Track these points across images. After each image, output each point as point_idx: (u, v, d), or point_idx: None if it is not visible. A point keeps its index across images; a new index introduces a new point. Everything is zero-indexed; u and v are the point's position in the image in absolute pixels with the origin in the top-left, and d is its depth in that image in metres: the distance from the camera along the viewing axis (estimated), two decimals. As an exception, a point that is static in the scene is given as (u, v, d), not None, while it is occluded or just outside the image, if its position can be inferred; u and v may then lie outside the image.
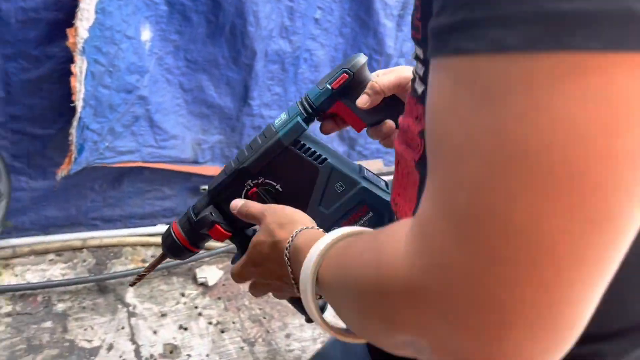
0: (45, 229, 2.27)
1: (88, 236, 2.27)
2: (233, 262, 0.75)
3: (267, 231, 0.60)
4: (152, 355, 1.94)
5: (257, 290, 0.68)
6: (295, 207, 0.64)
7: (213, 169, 2.51)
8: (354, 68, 0.69)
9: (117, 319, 2.03)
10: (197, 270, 2.28)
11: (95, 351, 1.89)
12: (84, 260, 2.23)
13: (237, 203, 0.70)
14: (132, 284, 0.88)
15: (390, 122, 0.73)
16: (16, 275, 2.07)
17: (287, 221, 0.59)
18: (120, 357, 1.90)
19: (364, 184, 0.71)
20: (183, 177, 2.51)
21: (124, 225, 2.47)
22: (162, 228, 2.49)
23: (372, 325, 0.38)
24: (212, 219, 0.72)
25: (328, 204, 0.72)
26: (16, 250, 2.10)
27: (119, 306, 2.10)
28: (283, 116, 0.72)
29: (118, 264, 2.27)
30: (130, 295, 2.15)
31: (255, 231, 0.75)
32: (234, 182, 0.73)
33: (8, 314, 1.91)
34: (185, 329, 2.09)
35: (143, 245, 2.38)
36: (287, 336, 2.10)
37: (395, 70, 0.70)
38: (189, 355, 1.98)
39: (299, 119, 0.70)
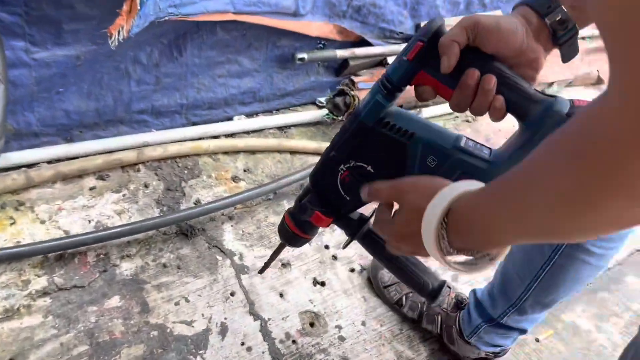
0: (66, 133, 1.37)
1: (140, 141, 1.39)
2: (344, 247, 0.88)
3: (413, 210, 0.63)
4: (288, 336, 1.21)
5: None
6: None
7: (314, 26, 1.58)
8: (428, 34, 0.64)
9: (220, 279, 1.26)
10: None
11: (202, 338, 1.15)
12: (146, 185, 1.38)
13: (364, 190, 0.72)
14: (261, 271, 1.04)
15: (473, 72, 0.64)
16: (42, 222, 1.23)
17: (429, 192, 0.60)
18: (244, 344, 1.17)
19: (459, 155, 0.68)
20: (269, 40, 1.58)
21: (187, 119, 1.58)
22: (241, 124, 1.62)
23: (578, 207, 0.42)
24: (310, 207, 0.79)
25: None
26: (31, 176, 1.22)
27: (218, 257, 1.31)
28: (364, 99, 0.71)
29: (199, 187, 1.43)
30: (229, 237, 1.35)
31: (360, 215, 0.85)
32: (327, 168, 0.76)
33: (44, 292, 1.11)
34: (322, 284, 1.34)
35: (227, 152, 1.52)
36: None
37: (459, 20, 0.65)
38: (339, 328, 1.27)
39: (378, 97, 0.69)
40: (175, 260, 1.28)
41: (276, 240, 1.36)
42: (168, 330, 1.15)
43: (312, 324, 1.28)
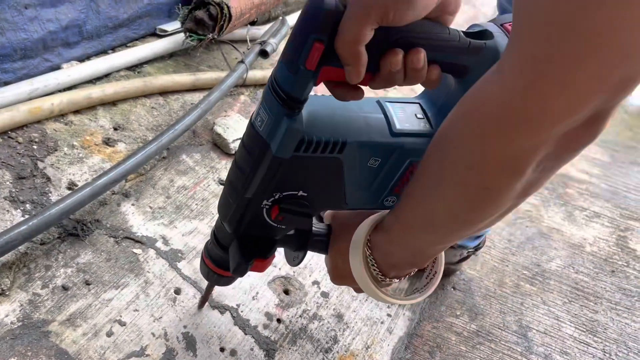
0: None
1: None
2: (297, 264, 0.75)
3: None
4: (269, 316, 0.94)
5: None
6: (331, 204, 0.65)
7: None
8: (325, 28, 0.45)
9: (153, 279, 0.90)
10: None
11: None
12: None
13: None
14: (200, 307, 0.89)
15: (394, 54, 0.49)
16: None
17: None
18: (224, 349, 0.86)
19: (402, 141, 0.59)
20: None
21: None
22: (80, 70, 1.16)
23: (491, 184, 0.46)
24: (242, 260, 0.66)
25: (368, 184, 0.62)
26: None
27: (136, 251, 0.92)
28: (262, 114, 0.53)
29: (65, 164, 0.97)
30: (137, 220, 0.96)
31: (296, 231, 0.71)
32: (247, 210, 0.62)
33: None
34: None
35: (77, 111, 1.06)
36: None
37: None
38: (316, 284, 1.03)
39: (286, 122, 0.51)
40: (77, 274, 0.84)
41: (197, 206, 1.02)
42: None
43: (286, 292, 1.00)
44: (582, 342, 1.10)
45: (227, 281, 0.79)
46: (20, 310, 0.77)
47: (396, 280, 0.66)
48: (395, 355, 1.00)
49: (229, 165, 1.17)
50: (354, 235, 0.64)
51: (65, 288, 0.82)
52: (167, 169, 1.08)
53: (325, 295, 1.03)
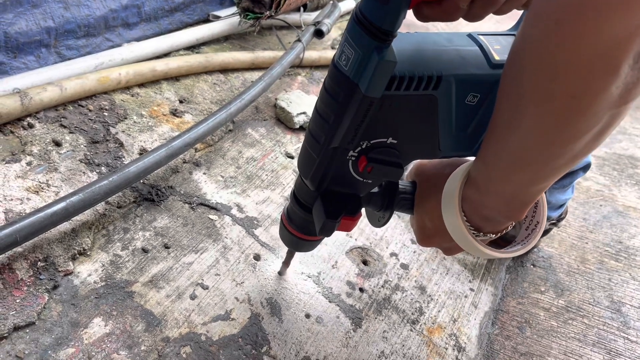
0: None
1: (5, 88, 0.85)
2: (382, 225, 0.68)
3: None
4: (351, 285, 0.88)
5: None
6: (423, 151, 0.58)
7: None
8: None
9: (232, 244, 0.85)
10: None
11: (255, 331, 0.77)
12: (57, 143, 0.86)
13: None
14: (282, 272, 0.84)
15: None
16: None
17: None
18: (309, 316, 0.80)
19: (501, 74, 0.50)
20: None
21: (58, 54, 1.04)
22: (143, 48, 1.14)
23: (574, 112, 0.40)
24: (329, 220, 0.60)
25: (464, 125, 0.56)
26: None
27: (212, 217, 0.88)
28: (348, 51, 0.48)
29: (135, 131, 0.95)
30: (211, 188, 0.92)
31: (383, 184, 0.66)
32: (332, 164, 0.56)
33: None
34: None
35: (142, 84, 1.04)
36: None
37: None
38: (394, 256, 0.98)
39: (376, 56, 0.45)
40: (156, 238, 0.80)
41: (267, 176, 0.98)
42: (203, 338, 0.71)
43: (365, 262, 0.94)
44: (683, 316, 1.02)
45: (309, 246, 0.74)
46: (102, 270, 0.73)
47: (492, 236, 0.60)
48: (483, 330, 0.94)
49: (294, 140, 1.13)
50: (445, 187, 0.57)
51: (145, 250, 0.78)
52: (234, 141, 1.05)
53: (405, 267, 0.97)
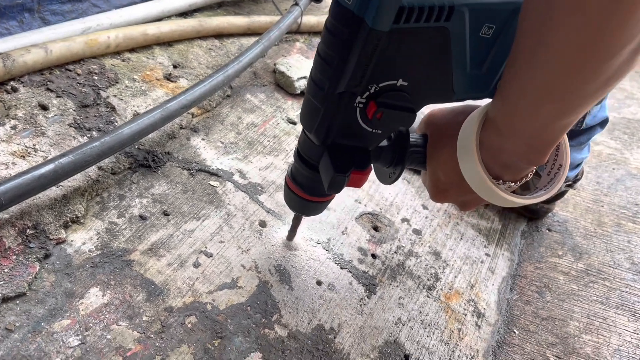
0: None
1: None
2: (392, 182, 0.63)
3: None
4: (363, 251, 0.84)
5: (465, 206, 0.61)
6: (435, 93, 0.53)
7: None
8: None
9: (235, 210, 0.80)
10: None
11: (264, 298, 0.72)
12: (43, 107, 0.80)
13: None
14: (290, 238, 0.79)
15: None
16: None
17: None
18: (320, 283, 0.76)
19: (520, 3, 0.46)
20: None
21: (42, 20, 0.98)
22: (133, 13, 1.08)
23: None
24: (337, 174, 0.55)
25: (479, 61, 0.51)
26: None
27: (213, 183, 0.83)
28: None
29: (127, 96, 0.89)
30: (210, 154, 0.87)
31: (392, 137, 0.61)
32: (338, 112, 0.52)
33: None
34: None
35: (133, 49, 0.98)
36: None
37: None
38: (406, 221, 0.93)
39: None
40: (154, 205, 0.75)
41: (269, 142, 0.92)
42: (209, 307, 0.66)
43: (376, 228, 0.89)
44: None
45: (316, 208, 0.69)
46: (97, 239, 0.68)
47: (512, 184, 0.54)
48: (502, 295, 0.89)
49: (295, 106, 1.07)
50: (460, 133, 0.52)
51: (143, 217, 0.73)
52: (233, 107, 0.99)
53: (417, 232, 0.92)
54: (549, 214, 1.11)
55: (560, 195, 1.07)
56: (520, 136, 0.48)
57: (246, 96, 1.03)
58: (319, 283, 0.76)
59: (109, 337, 0.58)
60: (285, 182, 0.67)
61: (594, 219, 1.11)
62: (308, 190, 0.64)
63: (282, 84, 1.09)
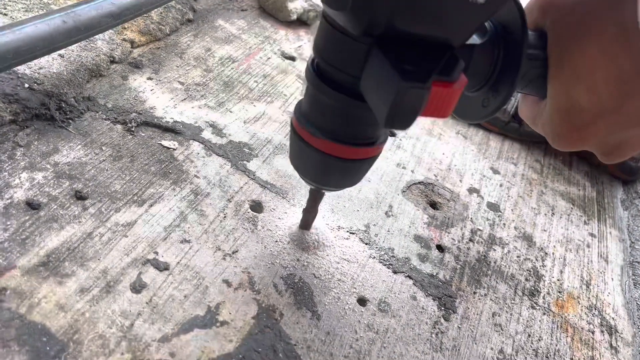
0: None
1: None
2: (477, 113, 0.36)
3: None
4: (423, 242, 0.50)
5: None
6: None
7: None
8: None
9: (215, 181, 0.46)
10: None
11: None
12: None
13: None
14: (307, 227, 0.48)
15: None
16: None
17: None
18: (362, 302, 0.41)
19: None
20: None
21: None
22: None
23: None
24: (421, 88, 0.26)
25: None
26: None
27: (167, 144, 0.49)
28: None
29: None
30: (162, 101, 0.53)
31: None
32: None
33: None
34: (393, 134, 0.64)
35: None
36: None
37: None
38: (474, 192, 0.60)
39: None
40: (57, 182, 0.41)
41: (258, 83, 0.59)
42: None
43: (433, 205, 0.57)
44: None
45: (351, 172, 0.37)
46: None
47: None
48: (627, 294, 0.58)
49: (291, 37, 0.74)
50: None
51: (32, 206, 0.39)
52: (197, 35, 0.65)
53: (494, 207, 0.60)
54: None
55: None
56: None
57: (218, 22, 0.69)
58: (362, 302, 0.43)
59: None
60: (292, 126, 0.35)
61: None
62: (338, 136, 0.32)
63: (268, 9, 0.75)
